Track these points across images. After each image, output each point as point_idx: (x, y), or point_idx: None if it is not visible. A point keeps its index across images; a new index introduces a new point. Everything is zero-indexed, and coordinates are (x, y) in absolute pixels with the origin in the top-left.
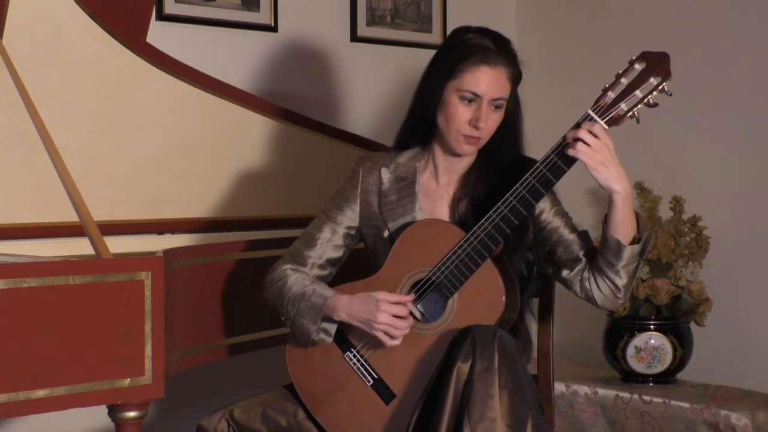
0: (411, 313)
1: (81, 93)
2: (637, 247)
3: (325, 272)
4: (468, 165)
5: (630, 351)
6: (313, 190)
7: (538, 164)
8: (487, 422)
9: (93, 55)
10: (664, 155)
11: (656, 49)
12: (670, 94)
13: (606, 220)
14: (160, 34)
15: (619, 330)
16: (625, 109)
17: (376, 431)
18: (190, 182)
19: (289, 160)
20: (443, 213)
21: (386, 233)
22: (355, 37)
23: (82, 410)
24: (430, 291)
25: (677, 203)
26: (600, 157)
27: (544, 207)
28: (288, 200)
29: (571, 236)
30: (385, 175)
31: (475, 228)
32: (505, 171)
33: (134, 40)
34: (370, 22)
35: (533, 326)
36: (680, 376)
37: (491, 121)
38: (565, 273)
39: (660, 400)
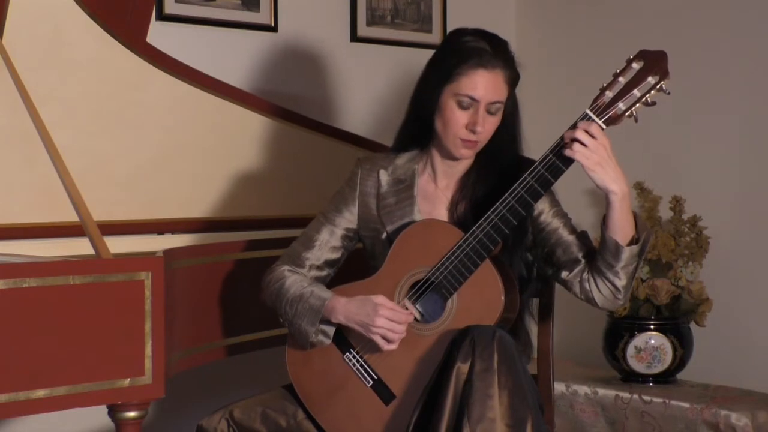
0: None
1: (81, 93)
2: (635, 248)
3: (323, 273)
4: (466, 167)
5: (630, 351)
6: (313, 190)
7: (536, 164)
8: (486, 422)
9: (93, 55)
10: (664, 155)
11: (655, 49)
12: (668, 93)
13: (604, 221)
14: (160, 34)
15: (619, 330)
16: (624, 108)
17: None
18: (190, 182)
19: (290, 160)
20: (442, 216)
21: (384, 235)
22: (355, 37)
23: (82, 410)
24: (429, 291)
25: (677, 203)
26: (597, 158)
27: (543, 208)
28: (288, 200)
29: (570, 237)
30: (384, 177)
31: (474, 228)
32: (503, 172)
33: (134, 40)
34: (370, 22)
35: (533, 328)
36: (680, 376)
37: (488, 125)
38: (564, 274)
39: (660, 400)
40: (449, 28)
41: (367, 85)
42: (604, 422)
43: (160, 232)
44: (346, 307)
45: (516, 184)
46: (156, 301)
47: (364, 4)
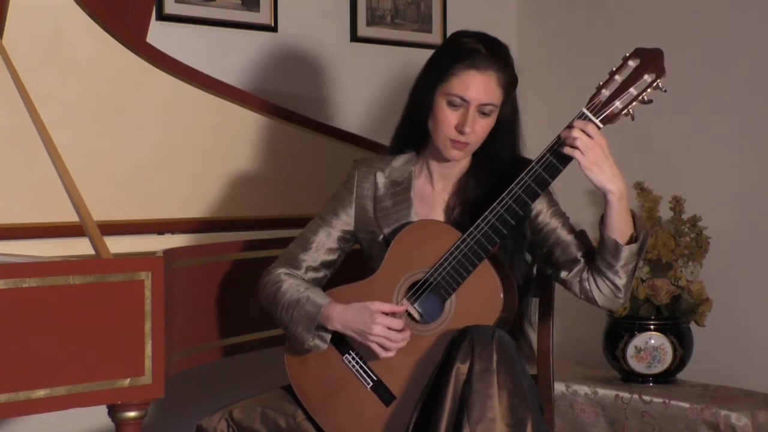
0: (409, 314)
1: (81, 93)
2: (634, 247)
3: (320, 275)
4: (463, 170)
5: (630, 351)
6: (312, 190)
7: (533, 164)
8: (486, 422)
9: (93, 55)
10: (664, 155)
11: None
12: (665, 91)
13: (602, 221)
14: (160, 34)
15: (619, 330)
16: (620, 107)
17: None
18: (190, 182)
19: (290, 160)
20: (438, 218)
21: (381, 237)
22: (355, 37)
23: (82, 410)
24: (428, 292)
25: (677, 203)
26: (593, 157)
27: (541, 208)
28: (288, 200)
29: (568, 237)
30: (381, 179)
31: (472, 228)
32: (501, 175)
33: (134, 40)
34: (370, 22)
35: (533, 338)
36: (680, 376)
37: (479, 127)
38: (563, 274)
39: (660, 400)
40: (449, 28)
41: (367, 85)
42: (604, 422)
43: (160, 232)
44: (342, 315)
45: (513, 185)
46: (156, 301)
47: (364, 4)
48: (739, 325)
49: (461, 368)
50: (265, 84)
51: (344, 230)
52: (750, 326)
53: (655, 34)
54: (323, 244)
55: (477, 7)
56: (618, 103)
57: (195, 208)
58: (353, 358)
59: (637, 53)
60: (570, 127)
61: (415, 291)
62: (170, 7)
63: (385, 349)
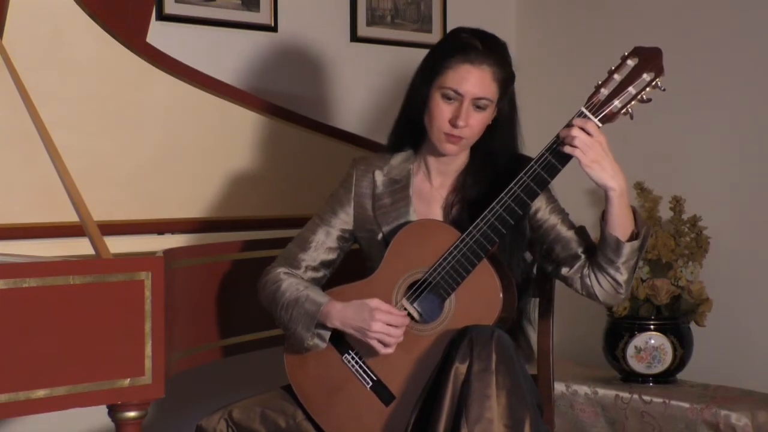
0: (409, 314)
1: (81, 93)
2: (636, 243)
3: (319, 274)
4: (461, 166)
5: (630, 351)
6: (313, 190)
7: (532, 163)
8: (484, 423)
9: (93, 55)
10: (664, 155)
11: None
12: (664, 90)
13: (603, 217)
14: (160, 34)
15: (619, 330)
16: (619, 106)
17: None
18: (190, 182)
19: (289, 160)
20: (437, 215)
21: (380, 236)
22: (355, 37)
23: (82, 410)
24: (427, 292)
25: (677, 203)
26: (593, 155)
27: (540, 205)
28: (288, 200)
29: (568, 233)
30: (379, 177)
31: (471, 228)
32: (499, 171)
33: (134, 40)
34: (370, 22)
35: (533, 337)
36: (680, 376)
37: (473, 121)
38: (564, 270)
39: (660, 400)
40: (449, 28)
41: (367, 85)
42: (604, 422)
43: (160, 232)
44: (342, 313)
45: (512, 183)
46: (156, 301)
47: (364, 4)
48: (739, 325)
49: (460, 368)
50: (265, 84)
51: (343, 229)
52: (750, 326)
53: (654, 34)
54: (322, 244)
55: (477, 7)
56: (617, 102)
57: (195, 208)
58: (353, 358)
59: (636, 52)
60: (569, 126)
61: (415, 291)
62: (170, 7)
63: (385, 345)
